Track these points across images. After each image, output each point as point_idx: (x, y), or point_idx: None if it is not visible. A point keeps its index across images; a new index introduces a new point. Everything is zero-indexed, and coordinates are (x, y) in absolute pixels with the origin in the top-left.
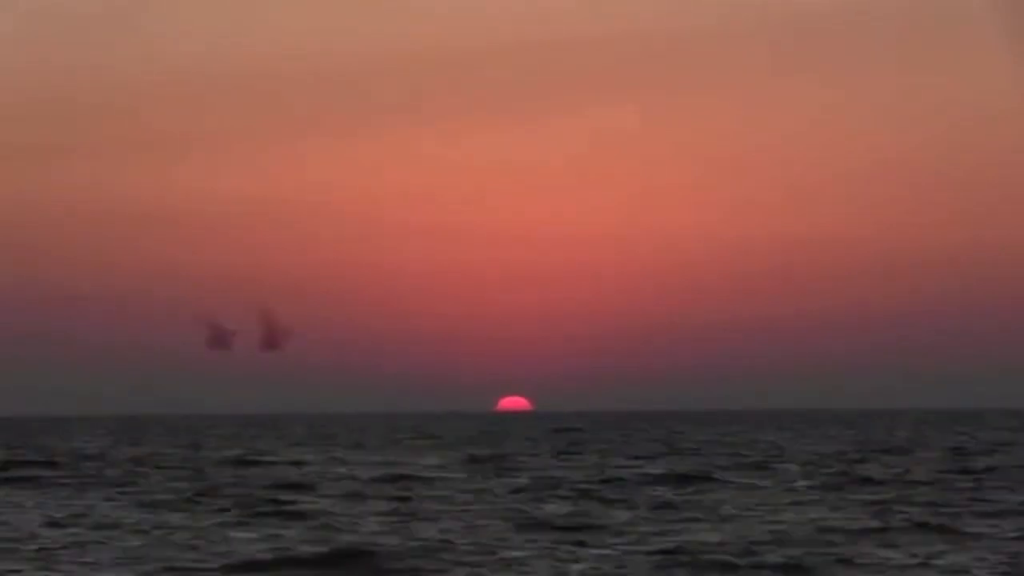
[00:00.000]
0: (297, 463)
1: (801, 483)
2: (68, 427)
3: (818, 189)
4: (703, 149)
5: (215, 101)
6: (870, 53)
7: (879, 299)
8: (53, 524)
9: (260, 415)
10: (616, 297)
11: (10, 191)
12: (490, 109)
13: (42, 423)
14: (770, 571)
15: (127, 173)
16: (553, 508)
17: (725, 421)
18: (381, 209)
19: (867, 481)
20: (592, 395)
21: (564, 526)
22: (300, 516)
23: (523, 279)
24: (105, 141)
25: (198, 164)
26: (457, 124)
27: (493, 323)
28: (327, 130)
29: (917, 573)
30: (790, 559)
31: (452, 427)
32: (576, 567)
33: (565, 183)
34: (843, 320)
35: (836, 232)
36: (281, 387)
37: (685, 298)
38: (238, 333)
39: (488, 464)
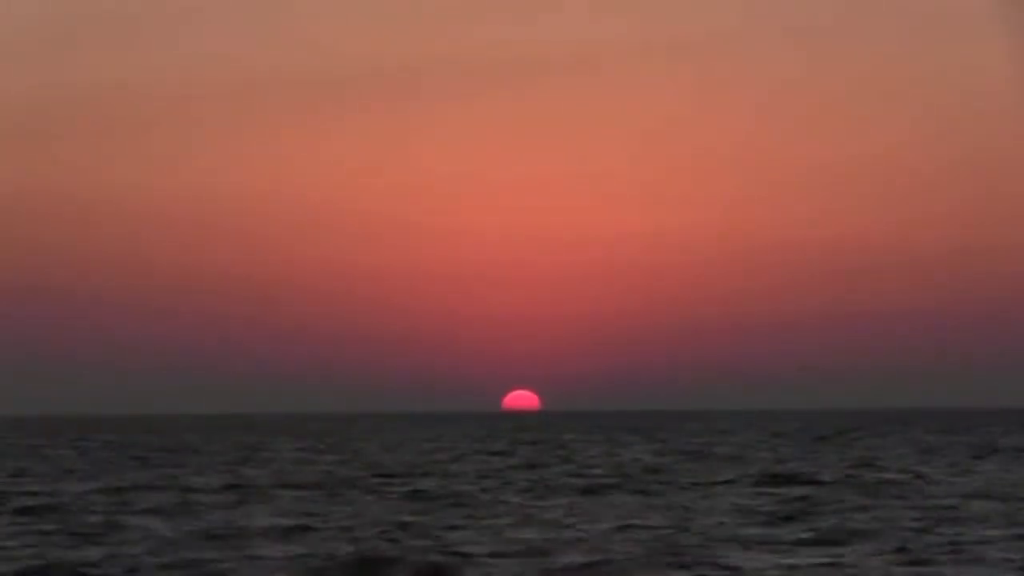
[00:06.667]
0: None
1: None
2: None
3: (819, 189)
4: (707, 149)
5: (215, 99)
6: (871, 48)
7: (878, 299)
8: None
9: (260, 415)
10: (620, 297)
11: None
12: (493, 110)
13: (43, 423)
14: None
15: (123, 168)
16: None
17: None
18: (384, 208)
19: None
20: (599, 394)
21: None
22: None
23: (527, 279)
24: (100, 136)
25: (199, 161)
26: (459, 125)
27: (496, 323)
28: (330, 128)
29: None
30: None
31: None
32: None
33: (572, 184)
34: (843, 320)
35: (836, 232)
36: (282, 387)
37: (692, 298)
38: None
39: None
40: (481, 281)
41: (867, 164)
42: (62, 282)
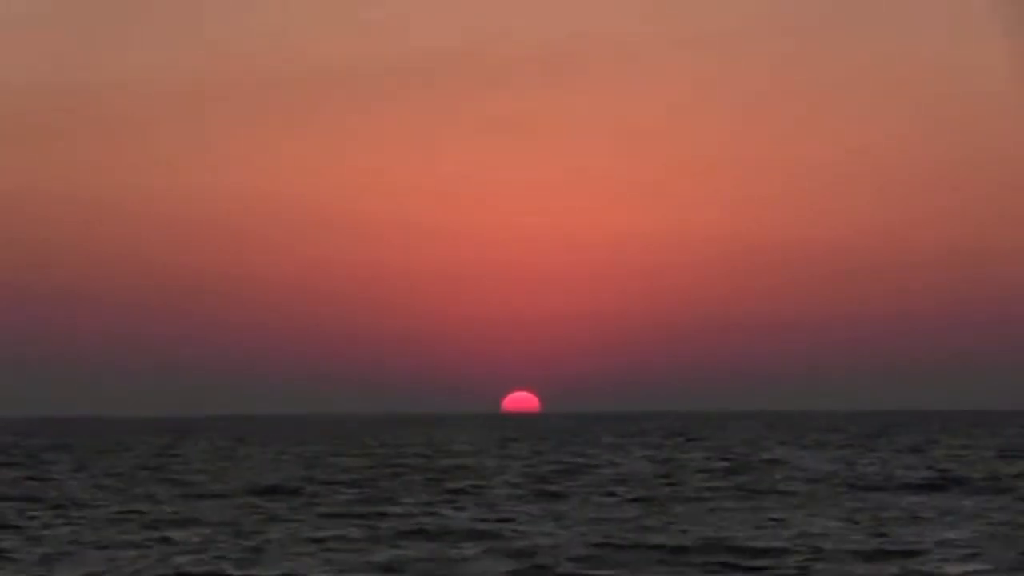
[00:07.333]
0: None
1: None
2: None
3: (819, 189)
4: (706, 148)
5: (215, 98)
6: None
7: (878, 299)
8: None
9: (260, 416)
10: (620, 297)
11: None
12: (493, 110)
13: (46, 423)
14: None
15: (123, 168)
16: None
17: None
18: (384, 208)
19: None
20: (599, 395)
21: None
22: None
23: (527, 279)
24: (101, 139)
25: (199, 161)
26: (459, 125)
27: (496, 323)
28: (330, 128)
29: None
30: None
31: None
32: None
33: (572, 184)
34: (843, 320)
35: (836, 232)
36: (282, 387)
37: (693, 297)
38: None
39: None
40: (481, 281)
41: (867, 164)
42: (62, 282)
